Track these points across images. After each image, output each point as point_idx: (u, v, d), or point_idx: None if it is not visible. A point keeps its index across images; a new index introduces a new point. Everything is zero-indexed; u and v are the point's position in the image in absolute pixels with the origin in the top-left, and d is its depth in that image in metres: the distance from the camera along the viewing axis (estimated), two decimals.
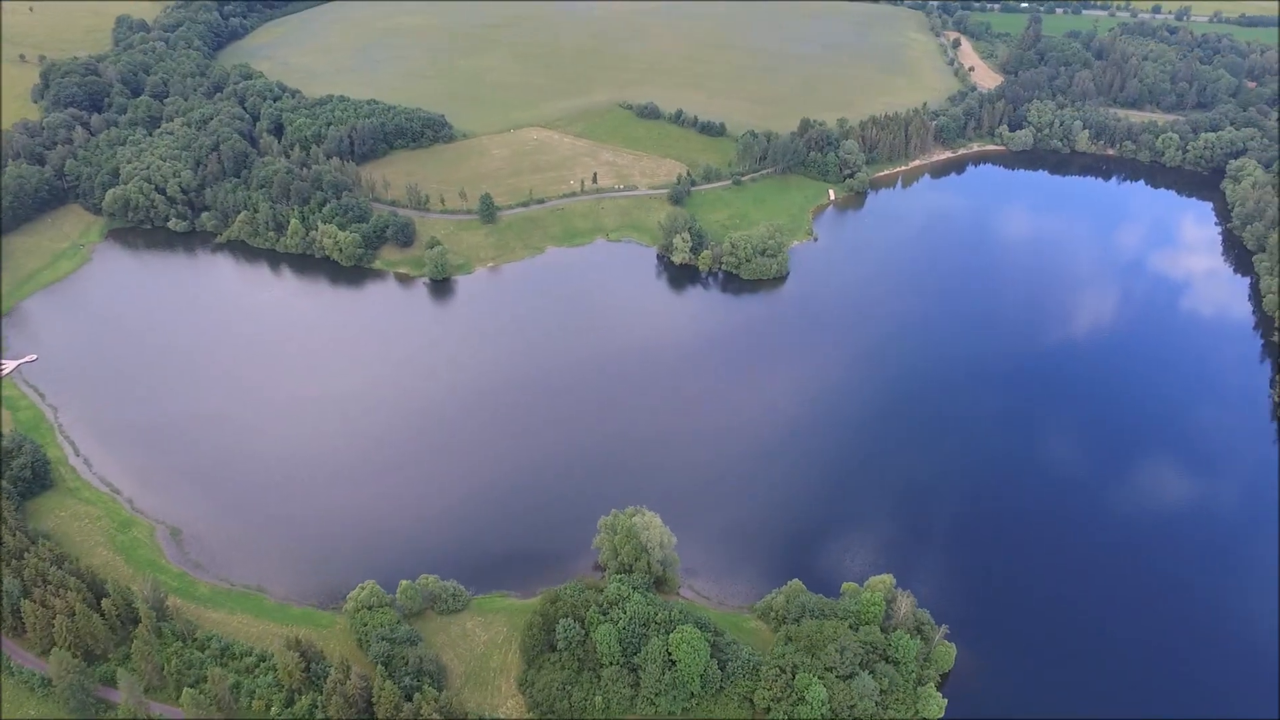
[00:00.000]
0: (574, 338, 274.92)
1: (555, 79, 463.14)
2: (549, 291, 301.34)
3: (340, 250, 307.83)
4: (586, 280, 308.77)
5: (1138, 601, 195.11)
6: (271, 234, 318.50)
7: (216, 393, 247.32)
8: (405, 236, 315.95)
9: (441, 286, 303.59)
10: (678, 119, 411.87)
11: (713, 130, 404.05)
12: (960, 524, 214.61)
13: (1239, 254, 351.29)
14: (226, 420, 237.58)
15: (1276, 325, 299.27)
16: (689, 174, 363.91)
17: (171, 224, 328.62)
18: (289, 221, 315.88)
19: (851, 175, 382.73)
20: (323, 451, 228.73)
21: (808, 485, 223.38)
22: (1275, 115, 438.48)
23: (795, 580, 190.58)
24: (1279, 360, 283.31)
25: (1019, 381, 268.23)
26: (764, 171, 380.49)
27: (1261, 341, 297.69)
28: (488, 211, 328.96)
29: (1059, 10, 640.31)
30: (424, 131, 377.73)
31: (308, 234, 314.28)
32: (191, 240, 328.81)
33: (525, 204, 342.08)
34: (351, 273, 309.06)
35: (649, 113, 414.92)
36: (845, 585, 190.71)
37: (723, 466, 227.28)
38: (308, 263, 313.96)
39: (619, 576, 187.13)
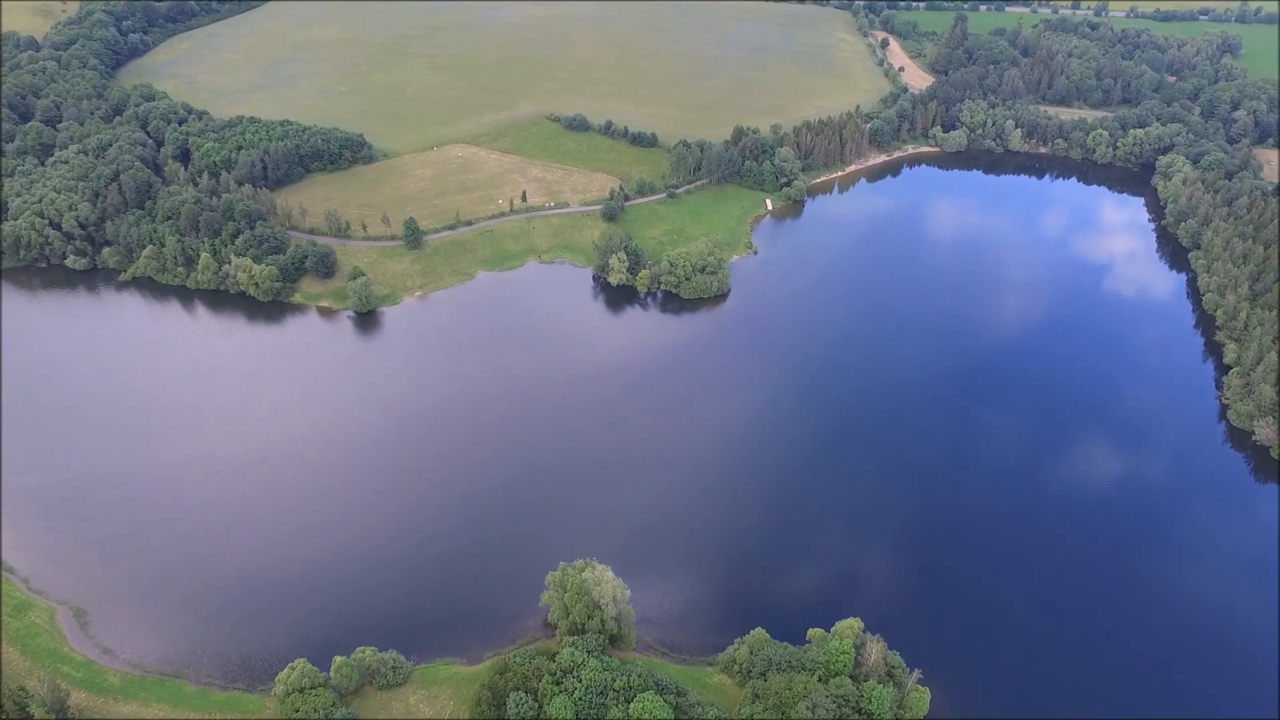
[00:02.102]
0: (509, 371, 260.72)
1: (478, 91, 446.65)
2: (481, 321, 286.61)
3: (256, 285, 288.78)
4: (520, 307, 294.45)
5: (1118, 630, 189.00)
6: (181, 269, 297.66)
7: (123, 450, 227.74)
8: (326, 267, 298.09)
9: (367, 320, 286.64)
10: (608, 130, 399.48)
11: (644, 141, 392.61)
12: (925, 555, 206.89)
13: (1174, 250, 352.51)
14: (135, 481, 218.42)
15: (1217, 324, 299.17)
16: (622, 188, 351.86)
17: (70, 261, 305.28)
18: (199, 255, 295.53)
19: (788, 184, 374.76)
20: (243, 511, 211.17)
21: (763, 521, 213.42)
22: (1198, 110, 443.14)
23: (758, 629, 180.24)
24: (1221, 359, 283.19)
25: (971, 392, 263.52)
26: (699, 183, 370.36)
27: (1203, 340, 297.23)
28: (413, 237, 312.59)
29: (983, 8, 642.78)
30: (342, 153, 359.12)
31: (220, 268, 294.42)
32: (93, 278, 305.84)
33: (452, 226, 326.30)
34: (270, 308, 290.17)
35: (578, 124, 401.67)
36: (811, 631, 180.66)
37: (673, 504, 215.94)
38: (222, 299, 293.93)
39: (572, 639, 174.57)
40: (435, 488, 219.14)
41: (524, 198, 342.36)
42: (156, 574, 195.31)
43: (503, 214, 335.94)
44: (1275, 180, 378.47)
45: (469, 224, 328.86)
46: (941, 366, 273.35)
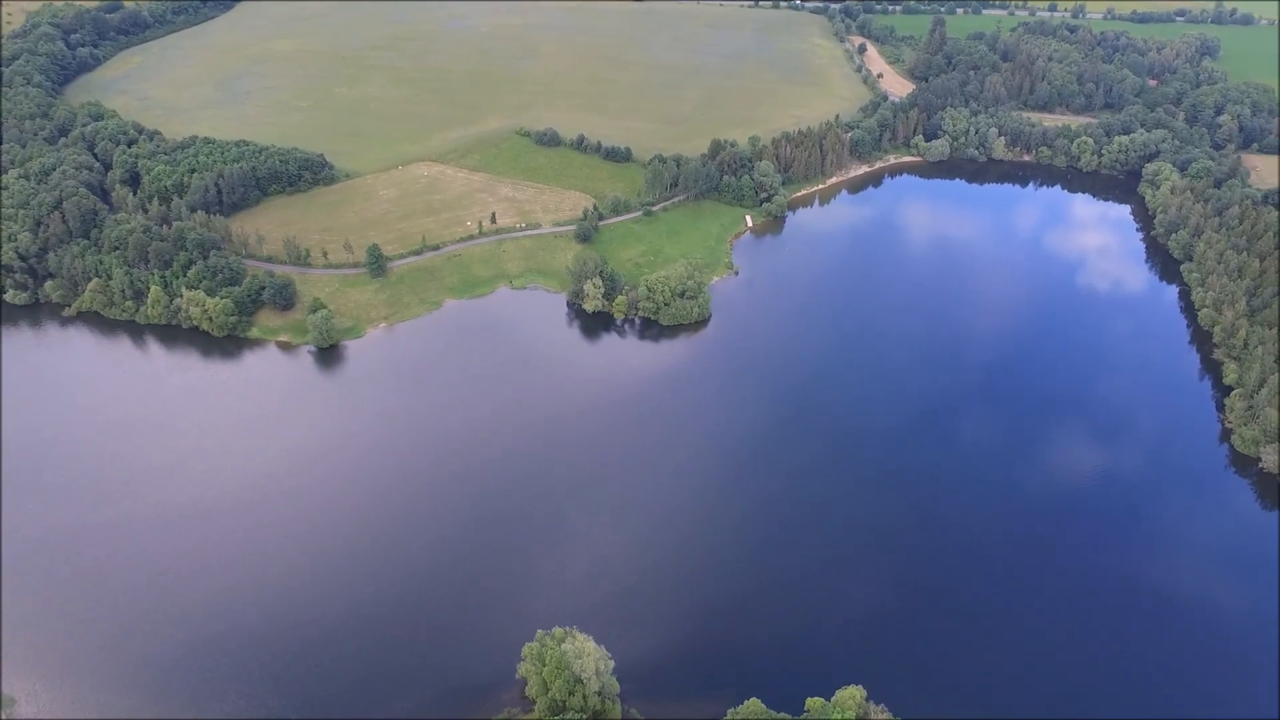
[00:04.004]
0: (479, 409, 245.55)
1: (444, 106, 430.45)
2: (450, 354, 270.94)
3: (210, 319, 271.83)
4: (491, 338, 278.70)
5: (1135, 681, 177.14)
6: (129, 303, 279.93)
7: (62, 505, 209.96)
8: (285, 299, 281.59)
9: (329, 355, 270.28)
10: (580, 145, 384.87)
11: (618, 156, 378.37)
12: (931, 606, 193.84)
13: (1165, 262, 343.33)
14: (72, 540, 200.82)
15: (1215, 341, 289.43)
16: (596, 207, 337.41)
17: (10, 296, 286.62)
18: (149, 288, 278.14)
19: (769, 198, 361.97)
20: (191, 570, 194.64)
21: (754, 572, 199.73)
22: (1182, 115, 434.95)
23: (753, 700, 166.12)
24: (1220, 378, 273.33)
25: (966, 419, 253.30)
26: (676, 199, 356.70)
27: (1199, 357, 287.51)
28: (376, 264, 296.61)
29: (960, 10, 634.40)
30: (302, 174, 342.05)
31: (171, 302, 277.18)
32: (35, 314, 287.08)
33: (418, 252, 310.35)
34: (225, 344, 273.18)
35: (549, 140, 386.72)
36: (810, 701, 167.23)
37: (656, 555, 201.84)
38: (174, 334, 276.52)
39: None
40: (402, 539, 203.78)
41: (493, 219, 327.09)
42: (93, 649, 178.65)
43: (471, 237, 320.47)
44: (1264, 188, 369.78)
45: (436, 248, 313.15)
46: (933, 392, 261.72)
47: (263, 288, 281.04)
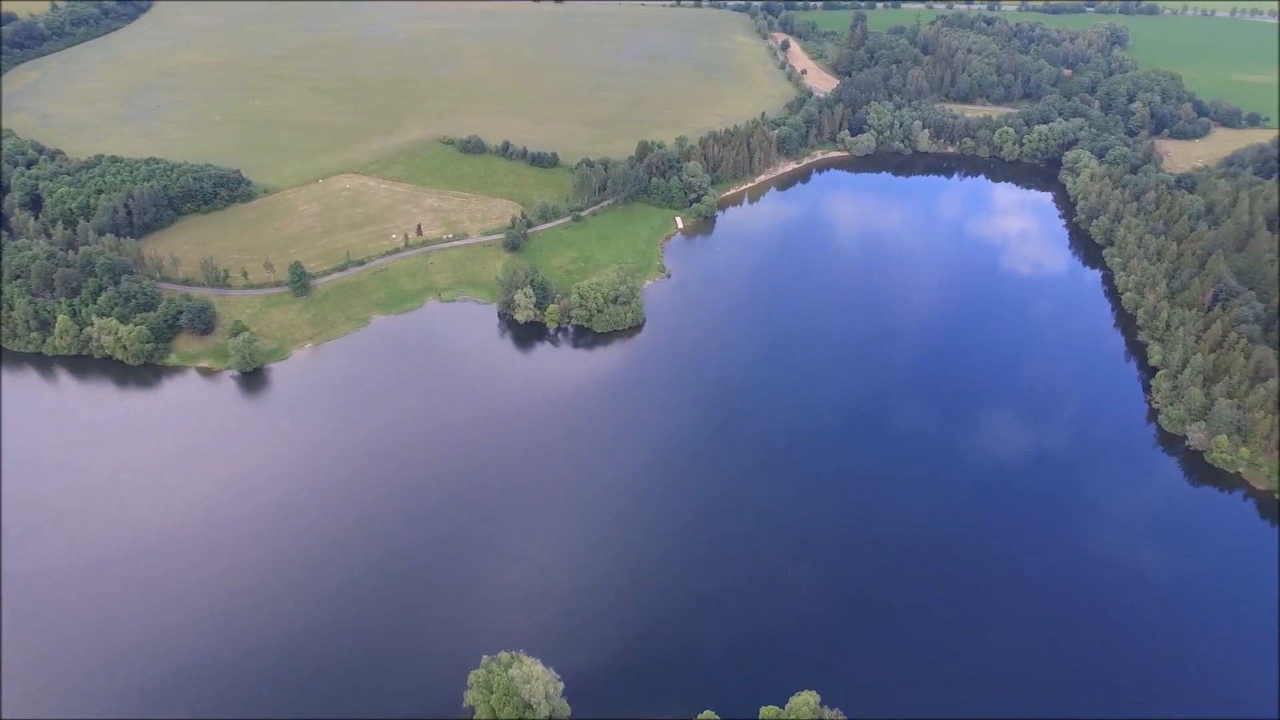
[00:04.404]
0: (411, 427, 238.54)
1: (364, 115, 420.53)
2: (380, 372, 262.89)
3: (125, 348, 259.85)
4: (422, 353, 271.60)
5: (1085, 667, 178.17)
6: (35, 335, 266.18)
7: None
8: (204, 322, 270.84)
9: (254, 379, 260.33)
10: (505, 151, 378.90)
11: (545, 161, 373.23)
12: (878, 604, 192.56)
13: (1088, 247, 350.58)
14: None
15: (1138, 324, 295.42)
16: (524, 215, 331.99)
17: None
18: (56, 318, 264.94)
19: (698, 199, 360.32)
20: (108, 613, 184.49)
21: (699, 579, 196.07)
22: (1097, 104, 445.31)
23: (707, 712, 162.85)
24: (1145, 359, 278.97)
25: (899, 411, 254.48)
26: (605, 203, 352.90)
27: (1124, 340, 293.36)
28: (299, 282, 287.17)
29: (880, 5, 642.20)
30: (217, 191, 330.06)
31: (81, 331, 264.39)
32: None
33: (343, 268, 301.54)
34: (141, 373, 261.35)
35: (473, 147, 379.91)
36: (764, 710, 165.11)
37: (601, 573, 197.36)
38: (85, 365, 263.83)
39: None
40: (338, 567, 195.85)
41: (419, 231, 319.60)
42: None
43: (397, 250, 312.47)
44: (1177, 172, 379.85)
45: (361, 264, 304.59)
46: (869, 387, 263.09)
47: (180, 312, 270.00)
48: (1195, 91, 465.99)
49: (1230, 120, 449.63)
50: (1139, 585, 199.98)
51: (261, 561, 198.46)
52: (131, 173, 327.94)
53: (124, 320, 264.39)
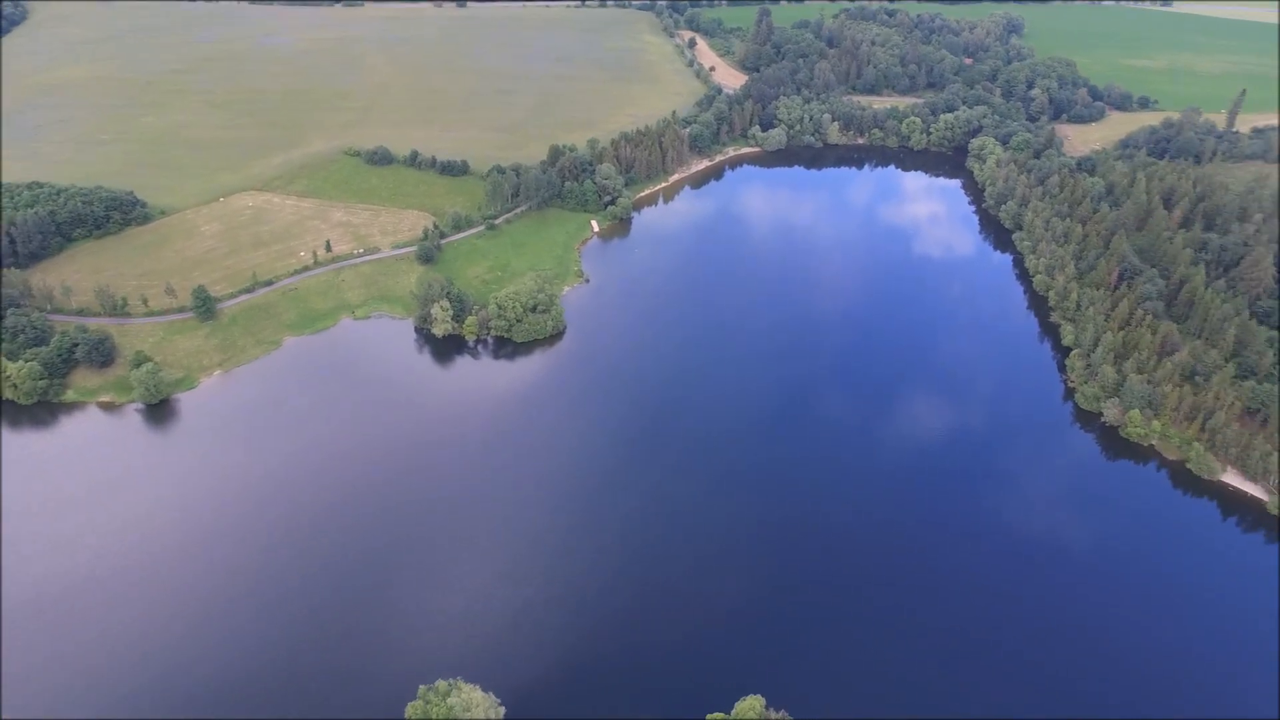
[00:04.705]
0: (330, 451, 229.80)
1: (264, 129, 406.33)
2: (294, 395, 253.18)
3: (15, 386, 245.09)
4: (338, 373, 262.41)
5: (1027, 658, 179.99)
6: None
7: None
8: (102, 355, 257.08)
9: (160, 411, 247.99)
10: (414, 161, 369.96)
11: (455, 170, 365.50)
12: (815, 600, 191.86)
13: (998, 232, 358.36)
14: None
15: (1050, 305, 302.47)
16: (436, 225, 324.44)
17: None
18: None
19: (613, 201, 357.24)
20: (14, 676, 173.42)
21: (635, 594, 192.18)
22: (999, 91, 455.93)
23: None
24: (1059, 340, 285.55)
25: (826, 403, 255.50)
26: (518, 210, 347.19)
27: (1038, 321, 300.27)
28: (204, 306, 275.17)
29: (783, 0, 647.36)
30: (109, 215, 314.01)
31: None
32: None
33: (250, 289, 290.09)
34: (36, 412, 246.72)
35: (380, 158, 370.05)
36: (710, 718, 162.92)
37: (535, 588, 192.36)
38: None
39: None
40: (260, 603, 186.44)
41: (328, 247, 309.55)
42: None
43: (307, 268, 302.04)
44: (1077, 155, 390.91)
45: (269, 284, 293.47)
46: (791, 381, 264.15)
47: (75, 345, 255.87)
48: (1089, 77, 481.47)
49: (1123, 104, 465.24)
50: (1067, 562, 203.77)
51: (175, 601, 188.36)
52: (12, 198, 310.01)
53: (13, 357, 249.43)
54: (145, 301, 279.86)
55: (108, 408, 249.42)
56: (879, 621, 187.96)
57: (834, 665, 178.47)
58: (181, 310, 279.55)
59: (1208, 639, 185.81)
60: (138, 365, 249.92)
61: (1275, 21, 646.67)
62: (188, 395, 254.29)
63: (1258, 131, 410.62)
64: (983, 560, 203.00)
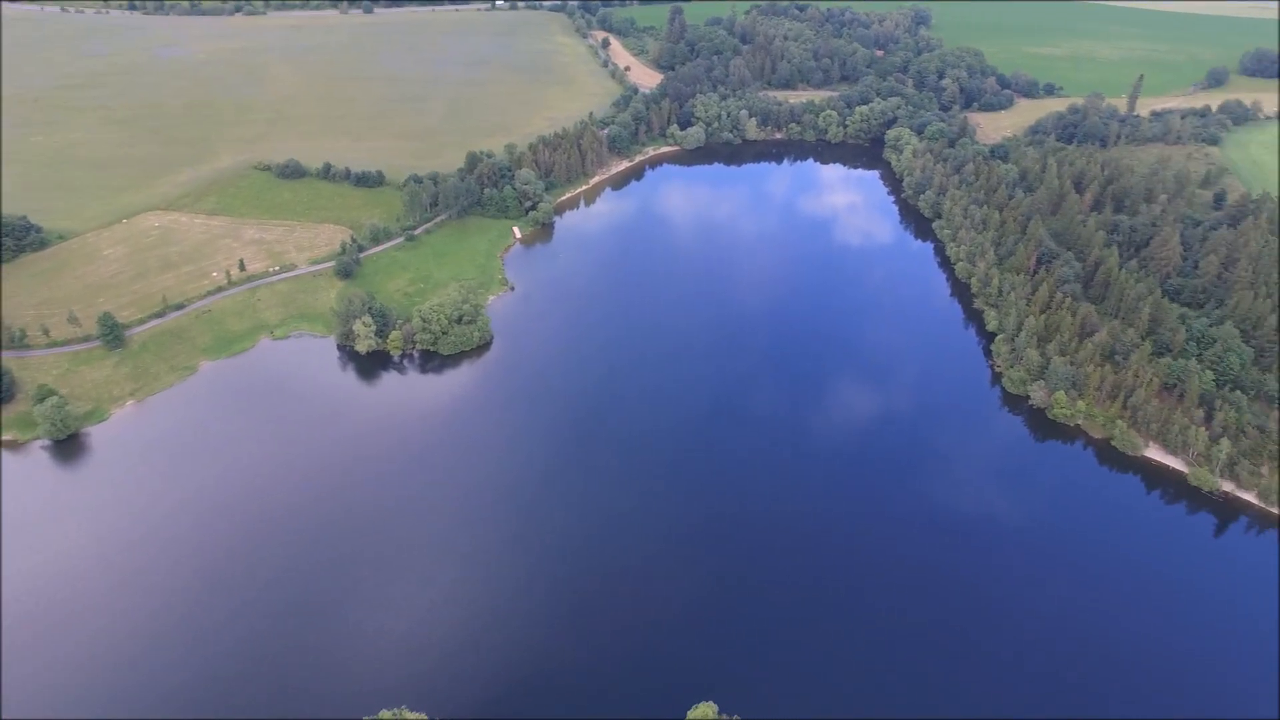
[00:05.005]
0: (254, 478, 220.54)
1: (167, 145, 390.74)
2: (214, 422, 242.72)
3: None
4: (258, 397, 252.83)
5: (984, 665, 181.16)
6: None
7: None
8: (1, 390, 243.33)
9: (69, 447, 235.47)
10: (327, 174, 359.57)
11: (370, 181, 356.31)
12: (765, 608, 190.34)
13: (918, 221, 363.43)
14: None
15: (973, 292, 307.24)
16: (354, 239, 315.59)
17: None
18: None
19: (534, 207, 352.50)
20: None
21: (579, 607, 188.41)
22: (911, 82, 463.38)
23: None
24: (983, 325, 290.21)
25: (758, 398, 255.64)
26: (438, 220, 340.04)
27: (962, 308, 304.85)
28: (112, 334, 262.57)
29: None
30: (1, 242, 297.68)
31: None
32: None
33: (160, 314, 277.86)
34: None
35: (292, 171, 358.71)
36: None
37: (475, 607, 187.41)
38: None
39: None
40: (189, 642, 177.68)
41: (242, 266, 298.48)
42: None
43: (220, 289, 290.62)
44: (989, 143, 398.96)
45: (180, 307, 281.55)
46: (723, 379, 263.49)
47: None
48: (996, 66, 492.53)
49: (1029, 91, 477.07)
50: (1010, 546, 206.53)
51: (97, 644, 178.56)
52: None
53: None
54: (46, 332, 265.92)
55: (12, 446, 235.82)
56: (828, 619, 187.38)
57: (786, 667, 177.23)
58: (87, 339, 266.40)
59: (1145, 609, 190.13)
60: (41, 400, 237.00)
61: (1166, 10, 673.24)
62: (99, 428, 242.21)
63: (1156, 115, 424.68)
64: (927, 551, 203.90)
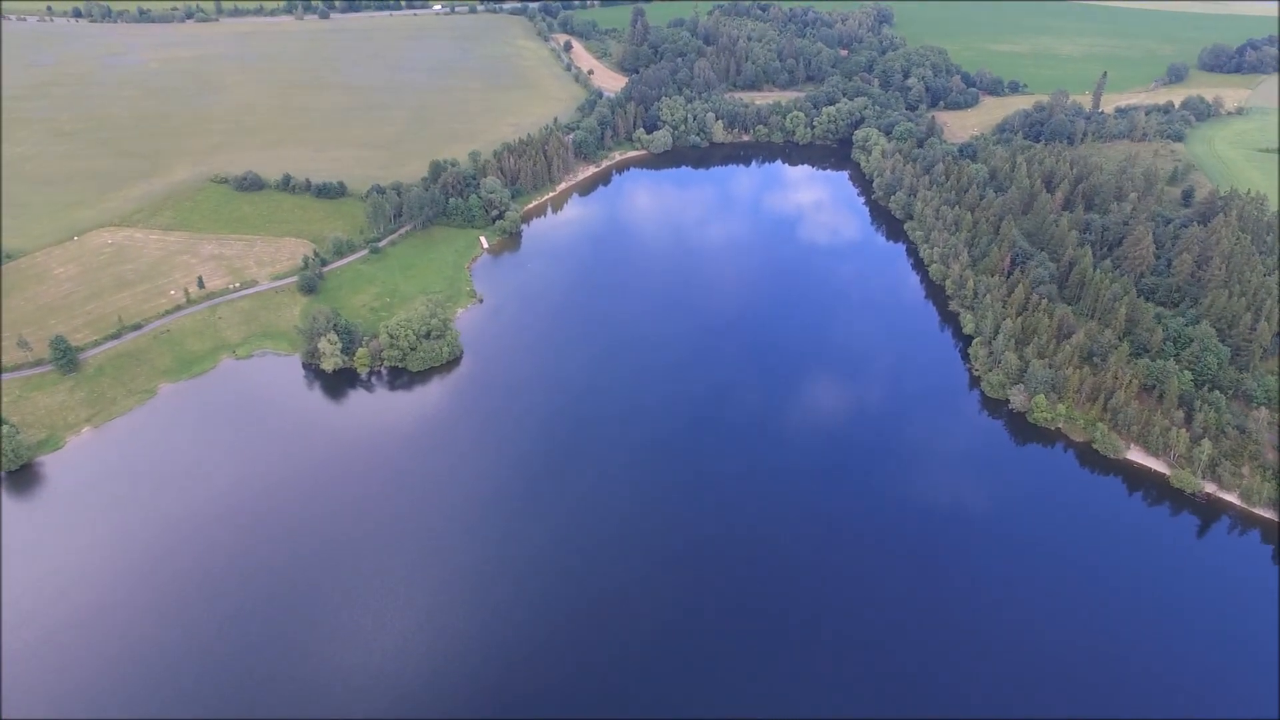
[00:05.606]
0: (218, 504, 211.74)
1: (119, 159, 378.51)
2: (176, 447, 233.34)
3: None
4: (222, 420, 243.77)
5: (967, 664, 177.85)
6: None
7: None
8: None
9: (22, 477, 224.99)
10: (287, 185, 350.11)
11: (332, 192, 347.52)
12: (744, 621, 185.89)
13: (890, 222, 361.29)
14: None
15: (948, 294, 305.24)
16: (316, 253, 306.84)
17: None
18: None
19: (500, 215, 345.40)
20: None
21: (553, 626, 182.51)
22: (876, 82, 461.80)
23: None
24: (960, 328, 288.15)
25: (734, 406, 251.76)
26: (403, 231, 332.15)
27: (938, 311, 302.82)
28: (65, 358, 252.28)
29: None
30: None
31: None
32: None
33: (117, 335, 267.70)
34: None
35: (251, 184, 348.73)
36: None
37: (452, 632, 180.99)
38: None
39: None
40: (155, 677, 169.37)
41: (201, 283, 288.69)
42: None
43: (179, 308, 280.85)
44: (957, 142, 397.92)
45: (138, 328, 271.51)
46: (698, 387, 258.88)
47: None
48: (960, 64, 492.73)
49: (994, 89, 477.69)
50: (998, 552, 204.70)
51: (62, 685, 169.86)
52: None
53: None
54: None
55: None
56: (811, 627, 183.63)
57: (768, 677, 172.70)
58: (39, 363, 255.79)
59: (1131, 612, 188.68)
60: None
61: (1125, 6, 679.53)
62: (53, 457, 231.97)
63: (1121, 111, 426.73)
64: (910, 558, 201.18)
